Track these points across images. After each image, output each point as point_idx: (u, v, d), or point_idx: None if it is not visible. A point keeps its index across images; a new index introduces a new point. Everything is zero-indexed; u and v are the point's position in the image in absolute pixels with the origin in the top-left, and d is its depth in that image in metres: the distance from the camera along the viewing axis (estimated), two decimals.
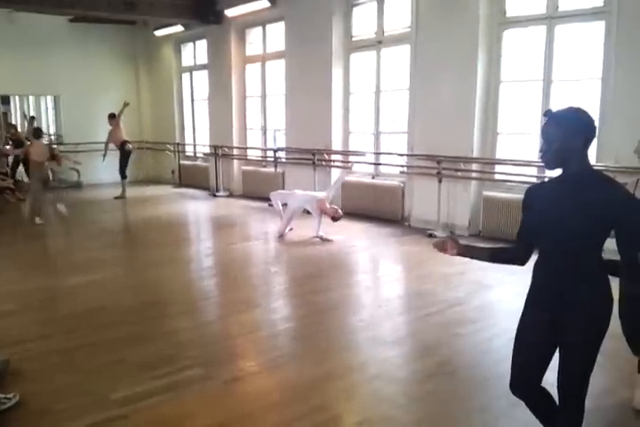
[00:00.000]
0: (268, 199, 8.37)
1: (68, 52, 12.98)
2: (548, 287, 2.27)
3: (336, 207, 7.52)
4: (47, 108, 19.09)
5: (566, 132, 2.12)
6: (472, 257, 2.49)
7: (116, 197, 11.34)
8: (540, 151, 2.22)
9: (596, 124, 2.20)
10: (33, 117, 15.85)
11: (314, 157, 9.40)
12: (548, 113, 2.21)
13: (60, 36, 12.90)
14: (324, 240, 7.27)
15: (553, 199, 2.22)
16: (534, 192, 2.34)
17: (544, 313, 2.28)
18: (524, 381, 2.40)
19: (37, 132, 9.61)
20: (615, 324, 2.59)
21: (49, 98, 16.54)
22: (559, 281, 2.23)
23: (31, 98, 21.21)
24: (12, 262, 6.70)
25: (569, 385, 2.27)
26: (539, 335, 2.31)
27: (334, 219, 7.33)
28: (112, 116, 11.45)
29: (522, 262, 2.40)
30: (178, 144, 13.58)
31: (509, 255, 2.46)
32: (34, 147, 9.18)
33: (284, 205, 7.79)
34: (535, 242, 2.33)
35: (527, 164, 7.00)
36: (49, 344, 4.14)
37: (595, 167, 2.25)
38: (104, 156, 11.45)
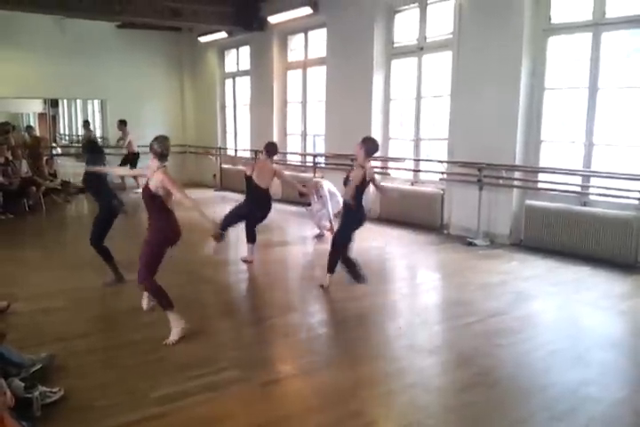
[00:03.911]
0: (306, 204, 8.36)
1: (115, 57, 13.34)
2: None
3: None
4: (94, 112, 19.70)
5: None
6: None
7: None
8: None
9: None
10: (87, 122, 15.97)
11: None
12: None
13: (107, 42, 13.28)
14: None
15: None
16: None
17: None
18: None
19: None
20: None
21: (96, 102, 16.99)
22: None
23: (79, 102, 21.90)
24: (59, 261, 6.90)
25: None
26: None
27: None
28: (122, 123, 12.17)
29: None
30: (220, 148, 13.79)
31: None
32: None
33: (320, 197, 7.76)
34: None
35: (571, 173, 6.86)
36: (92, 341, 4.26)
37: None
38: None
